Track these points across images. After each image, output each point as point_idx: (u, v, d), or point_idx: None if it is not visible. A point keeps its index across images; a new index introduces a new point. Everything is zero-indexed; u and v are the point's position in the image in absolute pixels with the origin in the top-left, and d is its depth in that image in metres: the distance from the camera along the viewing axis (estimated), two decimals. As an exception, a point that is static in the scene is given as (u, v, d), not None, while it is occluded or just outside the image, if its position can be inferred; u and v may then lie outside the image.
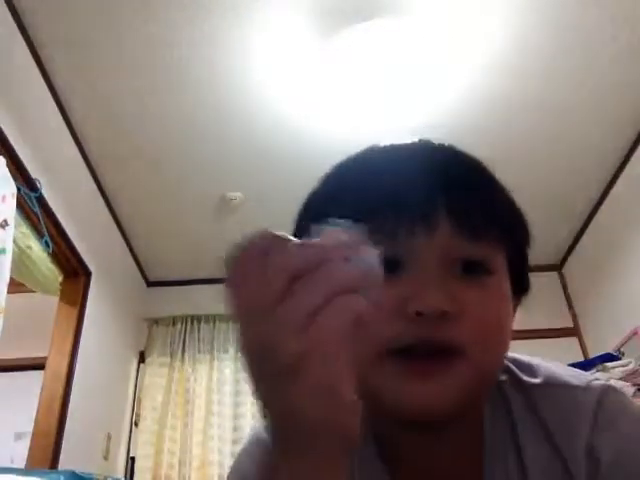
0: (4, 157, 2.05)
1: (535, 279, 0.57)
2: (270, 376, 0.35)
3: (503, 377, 0.56)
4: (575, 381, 0.54)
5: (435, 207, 0.48)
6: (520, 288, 0.55)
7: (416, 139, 0.56)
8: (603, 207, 3.28)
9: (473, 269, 0.49)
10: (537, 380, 0.56)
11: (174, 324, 3.71)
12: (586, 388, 0.53)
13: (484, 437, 0.54)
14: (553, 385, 0.55)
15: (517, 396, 0.55)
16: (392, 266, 0.48)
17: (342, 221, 0.37)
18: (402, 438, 0.53)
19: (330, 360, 0.33)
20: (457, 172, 0.52)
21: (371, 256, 0.37)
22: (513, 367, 0.57)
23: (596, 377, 0.56)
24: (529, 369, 0.57)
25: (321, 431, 0.34)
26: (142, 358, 3.65)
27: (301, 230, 0.56)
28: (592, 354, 3.24)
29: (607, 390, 0.53)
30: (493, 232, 0.50)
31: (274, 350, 0.33)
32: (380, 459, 0.55)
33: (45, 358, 2.71)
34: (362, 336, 0.47)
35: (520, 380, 0.56)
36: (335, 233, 0.35)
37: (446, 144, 0.56)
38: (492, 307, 0.49)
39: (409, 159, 0.54)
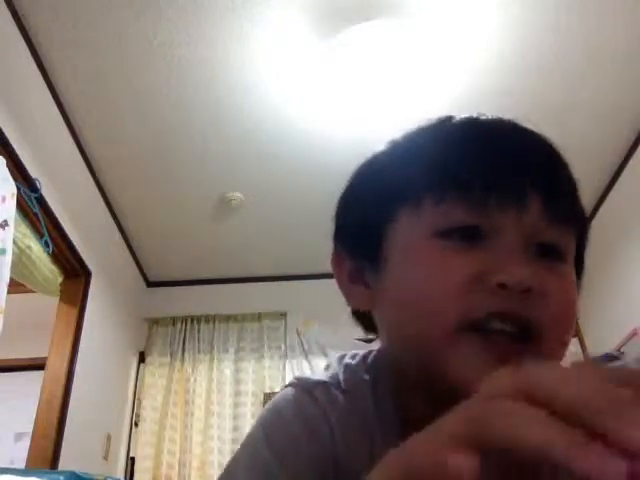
0: (4, 157, 2.05)
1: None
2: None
3: None
4: None
5: (530, 186, 0.48)
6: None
7: (503, 116, 0.56)
8: (603, 207, 3.28)
9: (548, 254, 0.48)
10: None
11: (174, 324, 3.71)
12: None
13: None
14: None
15: None
16: (471, 234, 0.47)
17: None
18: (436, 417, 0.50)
19: None
20: (551, 155, 0.53)
21: None
22: None
23: None
24: None
25: None
26: (142, 358, 3.65)
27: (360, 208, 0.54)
28: (592, 354, 3.24)
29: None
30: (576, 222, 0.50)
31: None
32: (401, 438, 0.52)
33: (45, 358, 2.71)
34: (433, 309, 0.45)
35: None
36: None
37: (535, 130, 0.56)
38: (569, 294, 0.48)
39: (506, 133, 0.53)
